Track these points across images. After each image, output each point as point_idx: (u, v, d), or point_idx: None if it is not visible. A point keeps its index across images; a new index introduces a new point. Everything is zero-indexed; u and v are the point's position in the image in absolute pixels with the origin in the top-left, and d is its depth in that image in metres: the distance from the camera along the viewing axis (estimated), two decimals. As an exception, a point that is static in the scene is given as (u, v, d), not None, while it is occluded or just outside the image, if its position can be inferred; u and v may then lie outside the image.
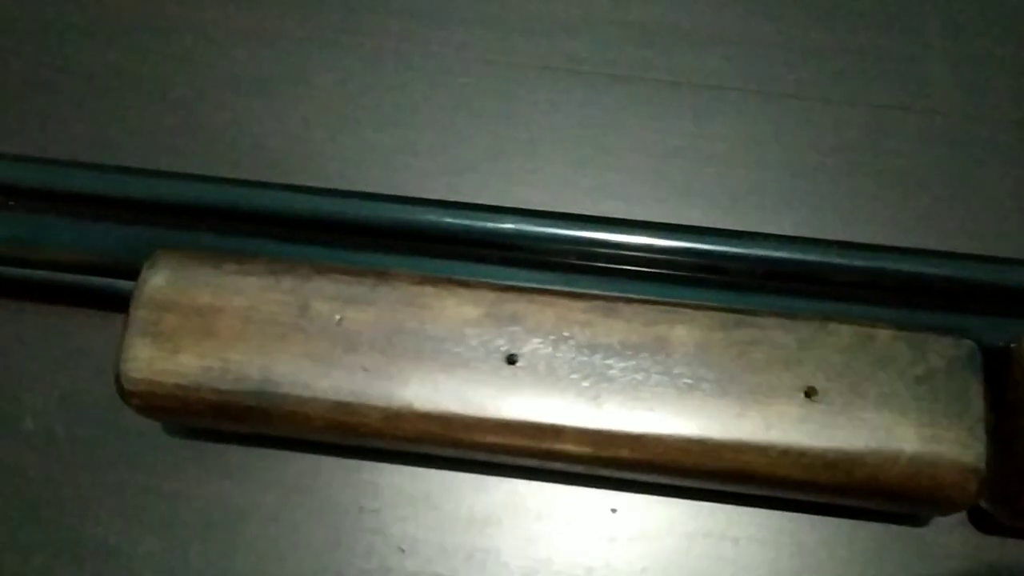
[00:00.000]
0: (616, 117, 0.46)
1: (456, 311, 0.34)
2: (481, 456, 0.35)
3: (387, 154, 0.45)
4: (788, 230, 0.41)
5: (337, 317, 0.34)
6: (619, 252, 0.35)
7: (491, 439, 0.33)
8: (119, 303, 0.38)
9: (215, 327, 0.34)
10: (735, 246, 0.34)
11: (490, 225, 0.35)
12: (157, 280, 0.35)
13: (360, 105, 0.46)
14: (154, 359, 0.34)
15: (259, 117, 0.46)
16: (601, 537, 0.37)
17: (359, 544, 0.37)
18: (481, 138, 0.46)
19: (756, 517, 0.37)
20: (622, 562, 0.37)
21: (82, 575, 0.37)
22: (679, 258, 0.35)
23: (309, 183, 0.38)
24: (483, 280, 0.35)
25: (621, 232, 0.35)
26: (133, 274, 0.36)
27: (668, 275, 0.35)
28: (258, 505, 0.38)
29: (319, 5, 0.49)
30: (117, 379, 0.34)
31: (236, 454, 0.39)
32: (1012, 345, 0.34)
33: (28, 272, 0.38)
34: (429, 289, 0.34)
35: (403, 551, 0.37)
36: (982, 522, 0.37)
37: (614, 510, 0.37)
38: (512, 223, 0.35)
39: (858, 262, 0.35)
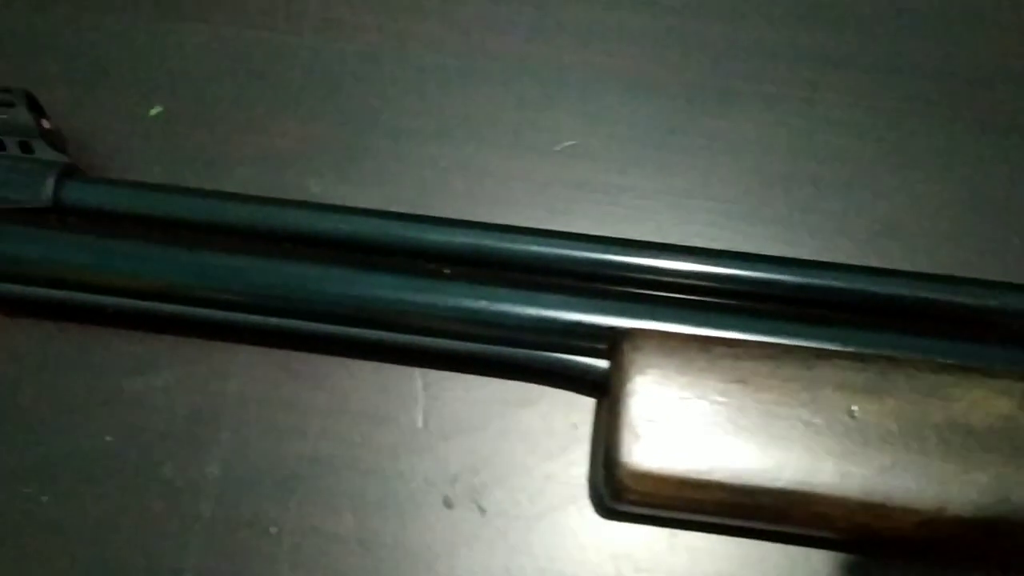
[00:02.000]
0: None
1: (989, 404, 0.32)
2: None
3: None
4: None
5: (851, 408, 0.32)
6: None
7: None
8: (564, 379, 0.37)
9: (717, 418, 0.32)
10: None
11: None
12: (647, 364, 0.33)
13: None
14: (656, 453, 0.32)
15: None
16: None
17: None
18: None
19: None
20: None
21: None
22: None
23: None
24: (1003, 369, 0.33)
25: None
26: (589, 351, 0.35)
27: None
28: None
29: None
30: (612, 471, 0.32)
31: (680, 540, 0.36)
32: None
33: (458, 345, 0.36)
34: (949, 379, 0.32)
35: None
36: None
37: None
38: None
39: None
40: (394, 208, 0.39)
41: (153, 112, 0.44)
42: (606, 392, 0.35)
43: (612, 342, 0.34)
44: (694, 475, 0.31)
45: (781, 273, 0.35)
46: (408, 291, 0.36)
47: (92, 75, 0.45)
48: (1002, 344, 0.33)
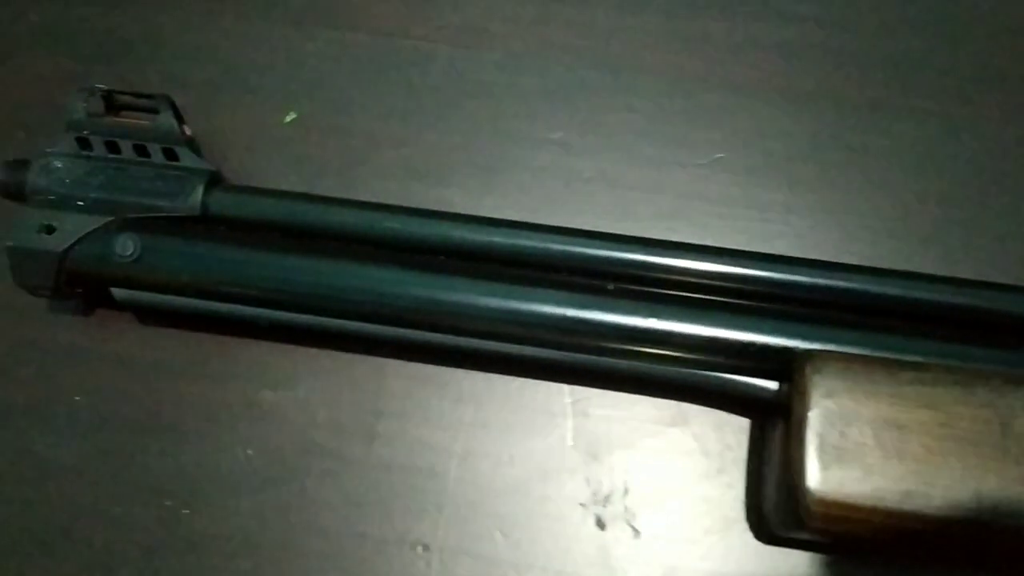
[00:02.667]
0: None
1: None
2: None
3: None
4: None
5: (1048, 436, 0.31)
6: None
7: None
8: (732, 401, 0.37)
9: (906, 444, 0.31)
10: None
11: None
12: (831, 388, 0.32)
13: None
14: (844, 480, 0.31)
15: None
16: None
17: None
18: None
19: None
20: None
21: None
22: None
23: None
24: None
25: None
26: (762, 372, 0.34)
27: None
28: None
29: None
30: (799, 496, 0.31)
31: (841, 569, 0.37)
32: None
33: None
34: None
35: None
36: None
37: None
38: None
39: None
40: (540, 221, 0.39)
41: (288, 119, 0.44)
42: (779, 414, 0.34)
43: (788, 363, 0.33)
44: (886, 505, 0.30)
45: (953, 295, 0.34)
46: (573, 307, 0.35)
47: (224, 80, 0.44)
48: None
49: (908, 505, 0.30)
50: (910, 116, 0.43)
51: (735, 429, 0.38)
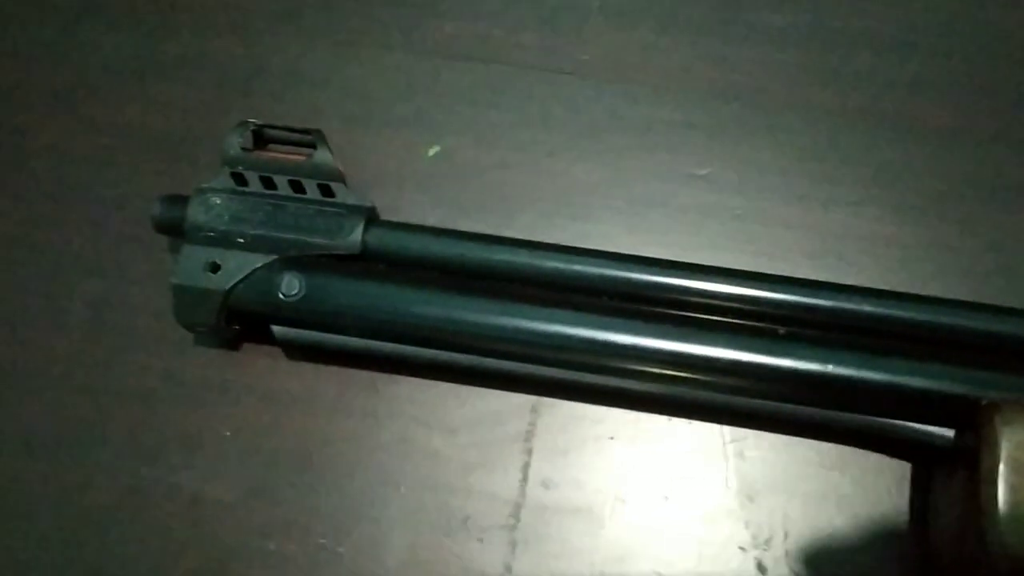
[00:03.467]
0: None
1: None
2: None
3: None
4: None
5: None
6: None
7: None
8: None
9: (1097, 497, 0.31)
10: None
11: None
12: (1020, 439, 0.32)
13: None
14: (1037, 531, 0.31)
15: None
16: None
17: None
18: None
19: None
20: None
21: None
22: None
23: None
24: None
25: None
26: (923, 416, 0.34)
27: None
28: None
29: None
30: (987, 546, 0.31)
31: None
32: None
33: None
34: None
35: None
36: None
37: None
38: None
39: None
40: (694, 260, 0.38)
41: (431, 152, 0.44)
42: (958, 462, 0.34)
43: (969, 412, 0.33)
44: (1080, 558, 0.31)
45: None
46: (745, 350, 0.34)
47: (365, 114, 0.44)
48: None
49: (1106, 561, 0.31)
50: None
51: (894, 472, 0.37)
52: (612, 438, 0.39)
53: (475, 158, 0.43)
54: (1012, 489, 0.31)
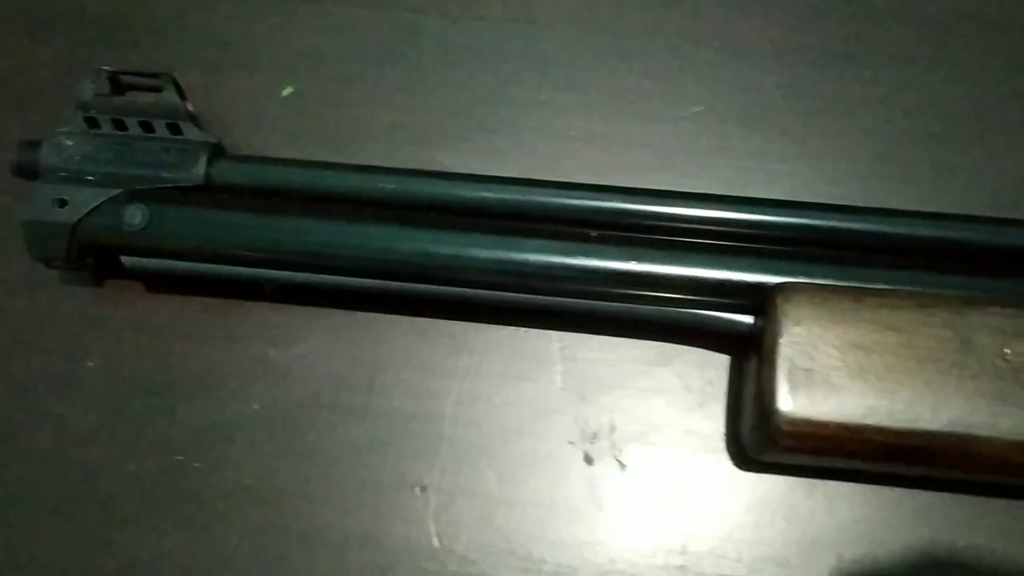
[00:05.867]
0: None
1: None
2: None
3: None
4: None
5: (1005, 351, 0.33)
6: None
7: None
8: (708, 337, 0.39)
9: (870, 364, 0.33)
10: None
11: None
12: (801, 315, 0.34)
13: None
14: (811, 399, 0.33)
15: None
16: None
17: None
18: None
19: None
20: None
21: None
22: None
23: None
24: None
25: None
26: (739, 307, 0.36)
27: None
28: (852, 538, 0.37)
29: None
30: (768, 419, 0.33)
31: (819, 488, 0.37)
32: None
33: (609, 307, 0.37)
34: (1102, 318, 0.33)
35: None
36: None
37: None
38: None
39: None
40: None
41: (286, 93, 0.46)
42: (753, 346, 0.36)
43: (761, 297, 0.35)
44: (850, 420, 0.32)
45: (919, 227, 0.36)
46: (558, 254, 0.37)
47: (222, 58, 0.47)
48: None
49: (871, 420, 0.32)
50: (887, 63, 0.45)
51: (716, 366, 0.40)
52: (452, 348, 0.41)
53: (328, 96, 0.46)
54: (792, 365, 0.33)
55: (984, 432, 0.32)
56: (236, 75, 0.46)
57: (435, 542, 0.38)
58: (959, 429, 0.32)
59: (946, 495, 0.37)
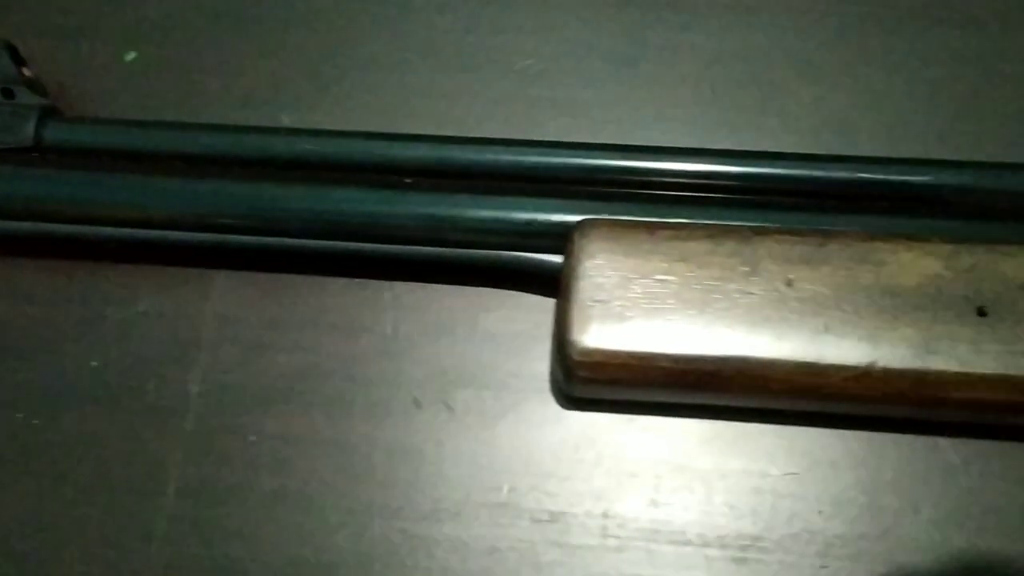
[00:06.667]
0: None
1: (915, 265, 0.33)
2: (944, 415, 0.34)
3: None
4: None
5: (788, 277, 0.34)
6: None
7: (967, 395, 0.32)
8: (526, 279, 0.39)
9: (661, 294, 0.34)
10: None
11: (928, 179, 0.36)
12: (595, 250, 0.35)
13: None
14: (604, 330, 0.34)
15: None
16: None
17: (779, 509, 0.37)
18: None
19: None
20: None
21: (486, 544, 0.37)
22: None
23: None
24: (931, 234, 0.34)
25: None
26: (548, 248, 0.37)
27: None
28: (665, 471, 0.38)
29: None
30: (564, 351, 0.34)
31: (635, 423, 0.38)
32: None
33: (431, 251, 0.38)
34: (881, 244, 0.34)
35: (822, 513, 0.37)
36: None
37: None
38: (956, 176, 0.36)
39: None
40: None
41: (128, 58, 0.46)
42: (559, 284, 0.37)
43: (564, 236, 0.36)
44: (639, 348, 0.33)
45: (723, 164, 0.37)
46: (372, 202, 0.38)
47: (67, 24, 0.47)
48: (932, 216, 0.35)
49: (659, 347, 0.33)
50: (710, 14, 0.46)
51: (543, 310, 0.40)
52: (286, 301, 0.41)
53: (171, 61, 0.46)
54: (585, 298, 0.34)
55: (768, 355, 0.33)
56: (80, 41, 0.47)
57: (265, 484, 0.39)
58: (744, 353, 0.33)
59: (760, 426, 0.38)
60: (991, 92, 0.44)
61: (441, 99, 0.45)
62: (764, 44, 0.46)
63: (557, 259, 0.37)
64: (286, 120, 0.44)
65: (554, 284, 0.38)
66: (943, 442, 0.37)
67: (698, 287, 0.34)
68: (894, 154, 0.40)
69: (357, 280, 0.41)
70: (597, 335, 0.33)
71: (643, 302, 0.34)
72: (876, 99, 0.44)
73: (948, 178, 0.36)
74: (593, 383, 0.34)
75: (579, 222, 0.35)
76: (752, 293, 0.34)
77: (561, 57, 0.46)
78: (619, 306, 0.34)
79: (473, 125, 0.44)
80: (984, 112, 0.44)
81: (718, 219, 0.35)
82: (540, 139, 0.40)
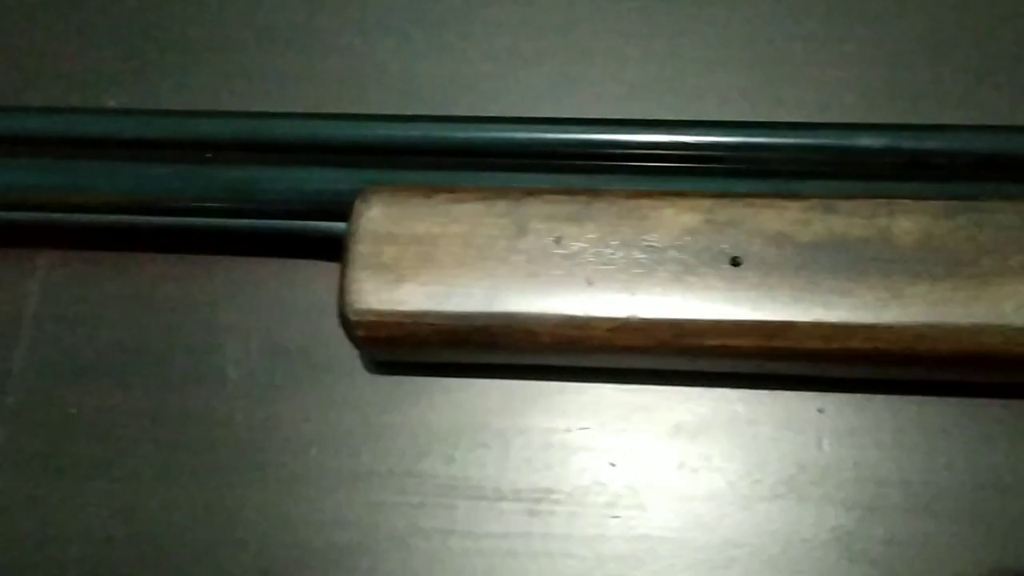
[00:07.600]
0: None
1: (675, 220, 0.34)
2: (705, 364, 0.36)
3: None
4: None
5: (556, 235, 0.35)
6: (840, 156, 0.36)
7: (722, 342, 0.33)
8: (323, 247, 0.40)
9: (435, 255, 0.35)
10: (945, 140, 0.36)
11: (699, 139, 0.36)
12: (373, 214, 0.36)
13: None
14: (378, 290, 0.35)
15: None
16: (810, 438, 0.38)
17: (571, 462, 0.39)
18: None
19: (967, 409, 0.38)
20: (833, 459, 0.38)
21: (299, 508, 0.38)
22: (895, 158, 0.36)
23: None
24: (697, 190, 0.36)
25: (844, 136, 0.36)
26: (341, 216, 0.37)
27: (884, 172, 0.36)
28: (465, 430, 0.39)
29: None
30: (342, 312, 0.35)
31: (437, 385, 0.40)
32: None
33: (234, 222, 0.39)
34: (645, 201, 0.35)
35: (614, 465, 0.39)
36: None
37: (821, 410, 0.38)
38: (725, 135, 0.36)
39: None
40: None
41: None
42: (344, 250, 0.38)
43: (351, 204, 0.37)
44: (410, 308, 0.34)
45: (501, 130, 0.38)
46: (174, 177, 0.39)
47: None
48: (690, 173, 0.37)
49: (430, 306, 0.34)
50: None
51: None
52: (112, 275, 0.42)
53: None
54: (362, 261, 0.35)
55: (534, 310, 0.34)
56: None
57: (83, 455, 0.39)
58: (511, 309, 0.34)
59: (559, 383, 0.39)
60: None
61: (286, 80, 0.46)
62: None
63: (342, 226, 0.38)
64: (112, 102, 0.45)
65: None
66: (731, 393, 0.39)
67: (470, 248, 0.35)
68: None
69: (183, 256, 0.42)
70: (370, 296, 0.34)
71: (417, 263, 0.35)
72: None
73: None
74: (372, 343, 0.35)
75: (361, 189, 0.36)
76: (521, 251, 0.35)
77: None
78: (392, 268, 0.35)
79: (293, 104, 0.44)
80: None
81: (495, 183, 0.36)
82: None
